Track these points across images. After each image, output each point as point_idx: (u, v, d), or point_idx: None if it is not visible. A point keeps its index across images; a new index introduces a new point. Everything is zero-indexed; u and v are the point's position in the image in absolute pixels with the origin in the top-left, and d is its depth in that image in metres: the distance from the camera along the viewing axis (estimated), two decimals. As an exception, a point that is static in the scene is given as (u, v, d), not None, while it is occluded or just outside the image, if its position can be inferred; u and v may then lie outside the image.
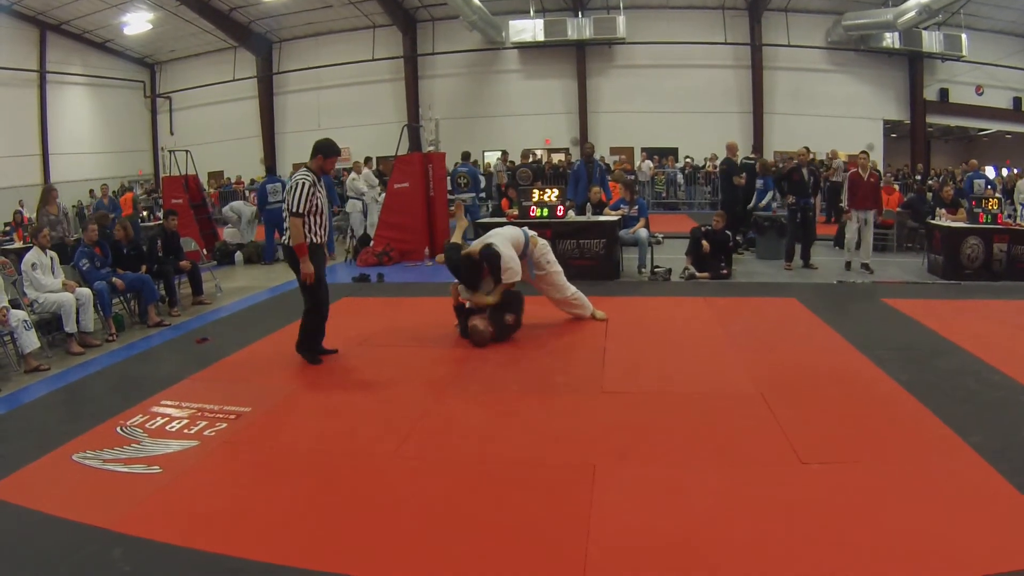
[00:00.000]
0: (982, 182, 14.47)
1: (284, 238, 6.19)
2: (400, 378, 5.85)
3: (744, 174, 12.57)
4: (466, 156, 15.58)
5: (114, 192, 20.43)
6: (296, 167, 6.74)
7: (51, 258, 7.39)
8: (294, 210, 5.93)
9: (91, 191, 22.56)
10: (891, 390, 5.14)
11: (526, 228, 7.29)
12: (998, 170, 17.60)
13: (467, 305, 6.87)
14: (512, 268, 6.63)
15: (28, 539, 3.35)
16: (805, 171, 10.60)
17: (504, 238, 6.86)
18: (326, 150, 6.20)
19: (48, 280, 7.19)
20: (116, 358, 6.84)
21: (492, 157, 22.65)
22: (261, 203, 13.63)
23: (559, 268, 7.39)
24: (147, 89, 27.22)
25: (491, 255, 6.63)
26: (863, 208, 10.25)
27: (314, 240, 6.06)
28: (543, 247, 7.27)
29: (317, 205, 6.02)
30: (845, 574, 2.89)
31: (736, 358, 6.06)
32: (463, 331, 6.74)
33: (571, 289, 7.42)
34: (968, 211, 10.36)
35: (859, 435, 4.32)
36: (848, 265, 10.30)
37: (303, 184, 5.95)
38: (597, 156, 21.94)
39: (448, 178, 14.13)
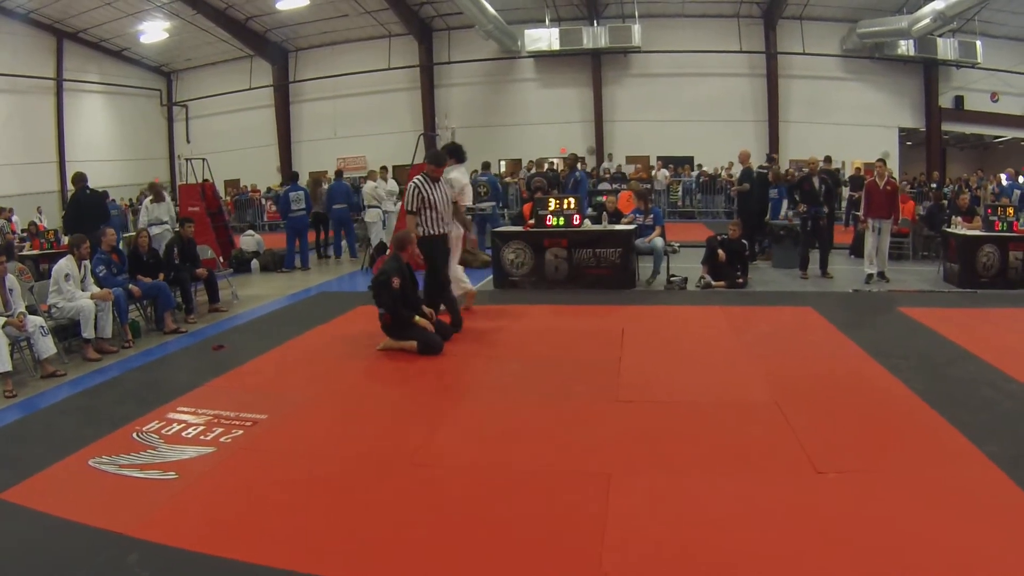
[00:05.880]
0: (1019, 192, 14.35)
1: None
2: (416, 385, 5.88)
3: (747, 184, 12.48)
4: (486, 166, 15.61)
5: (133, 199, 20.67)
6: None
7: (84, 269, 7.39)
8: (410, 209, 7.09)
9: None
10: (907, 399, 5.10)
11: None
12: (1010, 177, 17.54)
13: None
14: None
15: (44, 544, 3.37)
16: (816, 180, 10.54)
17: None
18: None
19: (77, 292, 7.17)
20: (132, 364, 6.88)
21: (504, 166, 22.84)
22: (283, 211, 13.70)
23: None
24: (163, 97, 27.51)
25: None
26: (878, 217, 10.18)
27: (432, 231, 7.13)
28: None
29: (431, 201, 7.08)
30: (862, 586, 2.87)
31: (752, 367, 6.03)
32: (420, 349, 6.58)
33: None
34: (983, 219, 10.27)
35: (874, 444, 4.29)
36: (869, 278, 10.09)
37: (411, 186, 7.14)
38: (612, 165, 22.04)
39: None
